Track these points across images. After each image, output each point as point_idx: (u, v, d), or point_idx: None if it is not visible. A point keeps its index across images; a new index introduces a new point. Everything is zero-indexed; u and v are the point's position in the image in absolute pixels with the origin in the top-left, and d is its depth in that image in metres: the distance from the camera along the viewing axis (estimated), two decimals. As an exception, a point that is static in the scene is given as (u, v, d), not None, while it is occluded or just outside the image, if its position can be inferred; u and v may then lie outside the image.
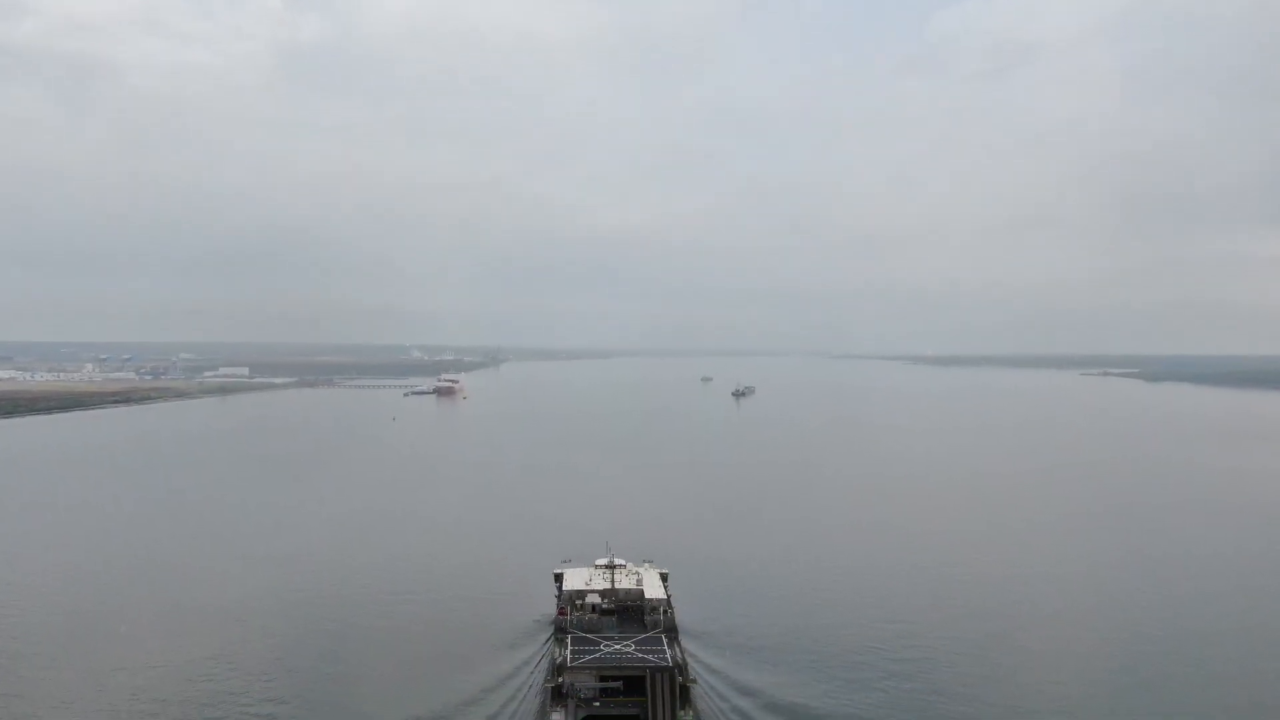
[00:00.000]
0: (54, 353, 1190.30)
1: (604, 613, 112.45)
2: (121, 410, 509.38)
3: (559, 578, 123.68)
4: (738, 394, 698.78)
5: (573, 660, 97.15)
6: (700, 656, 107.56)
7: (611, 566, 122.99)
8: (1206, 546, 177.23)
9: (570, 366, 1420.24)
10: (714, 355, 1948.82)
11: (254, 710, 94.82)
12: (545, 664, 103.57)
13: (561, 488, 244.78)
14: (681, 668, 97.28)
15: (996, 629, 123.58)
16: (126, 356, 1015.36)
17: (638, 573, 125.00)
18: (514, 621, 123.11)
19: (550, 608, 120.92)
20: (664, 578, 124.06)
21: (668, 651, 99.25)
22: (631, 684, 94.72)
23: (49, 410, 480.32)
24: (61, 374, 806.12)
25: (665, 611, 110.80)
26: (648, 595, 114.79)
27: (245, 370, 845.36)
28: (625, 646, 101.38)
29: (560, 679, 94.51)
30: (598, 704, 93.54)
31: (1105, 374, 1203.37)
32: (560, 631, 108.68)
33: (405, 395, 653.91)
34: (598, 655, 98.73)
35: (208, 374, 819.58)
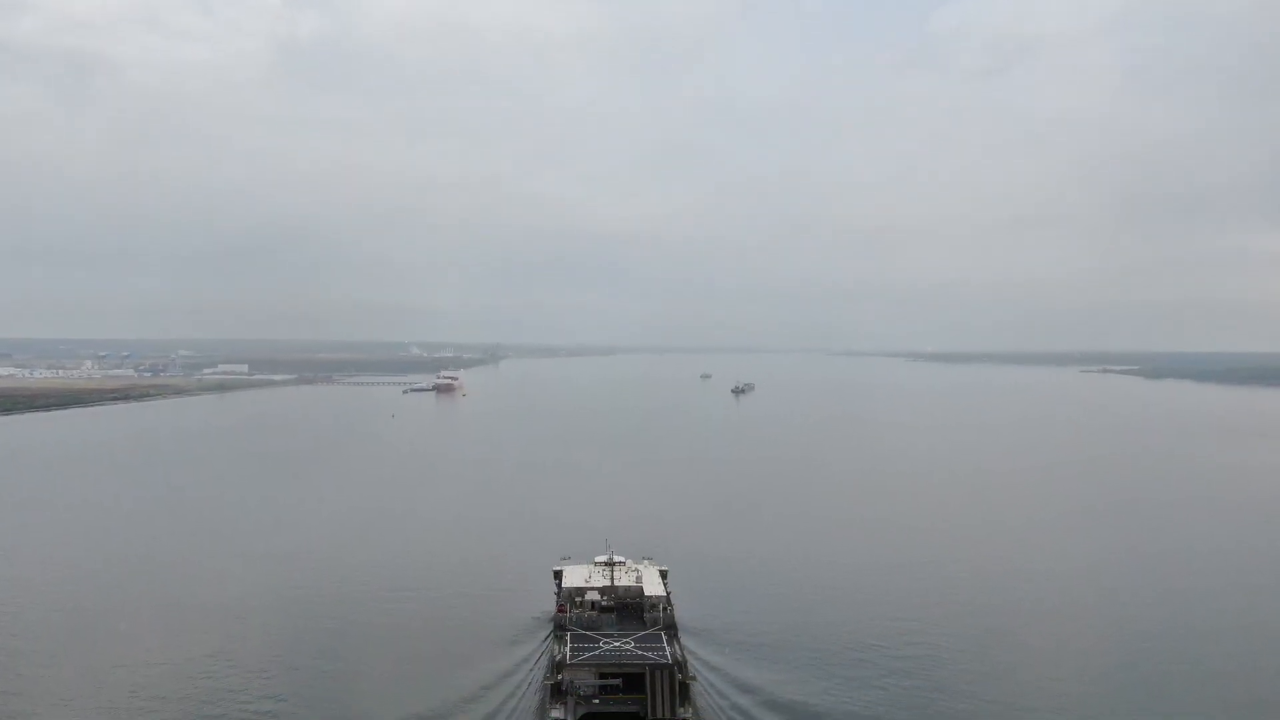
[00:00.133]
0: (53, 350, 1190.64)
1: (603, 610, 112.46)
2: (120, 407, 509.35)
3: (558, 575, 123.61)
4: (737, 391, 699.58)
5: (572, 657, 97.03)
6: (700, 654, 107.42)
7: (611, 564, 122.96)
8: (1206, 543, 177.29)
9: (570, 363, 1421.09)
10: (714, 351, 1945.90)
11: (253, 707, 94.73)
12: (545, 661, 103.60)
13: (561, 485, 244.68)
14: (681, 665, 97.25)
15: (997, 625, 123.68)
16: (125, 353, 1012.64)
17: (637, 570, 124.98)
18: (513, 618, 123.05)
19: (550, 605, 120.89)
20: (663, 575, 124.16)
21: (667, 649, 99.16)
22: (631, 681, 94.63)
23: (48, 407, 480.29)
24: (60, 371, 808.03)
25: (665, 609, 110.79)
26: (647, 592, 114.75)
27: (244, 367, 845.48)
28: (625, 644, 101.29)
29: (560, 676, 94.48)
30: (597, 701, 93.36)
31: (1105, 371, 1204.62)
32: (560, 629, 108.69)
33: (404, 392, 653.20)
34: (597, 652, 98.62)
35: (207, 371, 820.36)
